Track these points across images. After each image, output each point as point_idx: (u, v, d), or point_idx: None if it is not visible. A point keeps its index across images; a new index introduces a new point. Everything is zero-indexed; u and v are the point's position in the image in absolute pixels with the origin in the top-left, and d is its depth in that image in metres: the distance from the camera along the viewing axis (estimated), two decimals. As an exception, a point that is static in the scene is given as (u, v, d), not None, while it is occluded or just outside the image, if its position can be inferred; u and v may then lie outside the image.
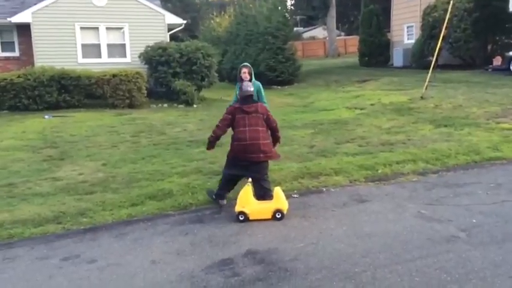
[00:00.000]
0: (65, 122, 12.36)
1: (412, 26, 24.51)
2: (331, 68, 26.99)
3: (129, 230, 5.11)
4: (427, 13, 21.03)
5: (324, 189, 6.06)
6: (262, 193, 5.38)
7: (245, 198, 5.16)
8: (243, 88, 5.60)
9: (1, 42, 17.10)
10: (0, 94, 13.92)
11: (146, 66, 16.42)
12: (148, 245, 4.67)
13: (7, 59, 16.96)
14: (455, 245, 4.12)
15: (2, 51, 17.10)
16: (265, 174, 5.54)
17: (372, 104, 12.83)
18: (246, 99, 5.55)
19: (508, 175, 6.27)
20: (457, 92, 13.39)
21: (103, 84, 14.56)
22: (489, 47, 21.24)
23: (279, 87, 20.80)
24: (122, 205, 5.84)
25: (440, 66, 16.91)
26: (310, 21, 54.54)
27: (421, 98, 12.82)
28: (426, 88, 13.25)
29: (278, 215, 5.08)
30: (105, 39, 16.90)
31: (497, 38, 20.89)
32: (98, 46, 16.85)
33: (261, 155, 5.35)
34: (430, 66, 13.72)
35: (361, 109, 12.32)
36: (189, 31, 37.16)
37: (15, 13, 16.08)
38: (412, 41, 23.46)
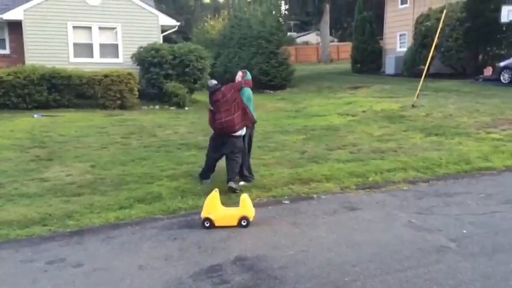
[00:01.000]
0: (54, 121, 12.21)
1: (404, 34, 24.69)
2: (323, 74, 27.07)
3: (116, 234, 5.03)
4: (419, 22, 21.21)
5: (315, 196, 6.03)
6: (227, 169, 6.28)
7: (211, 205, 5.12)
8: (208, 84, 6.65)
9: (-9, 40, 16.89)
10: (-11, 92, 13.72)
11: (138, 67, 16.31)
12: (135, 249, 4.60)
13: (-3, 56, 16.76)
14: (445, 256, 4.10)
15: (-8, 48, 16.90)
16: (236, 153, 6.31)
17: (363, 111, 12.86)
18: (213, 92, 6.40)
19: (498, 186, 6.29)
20: (448, 101, 13.48)
21: (94, 84, 14.42)
22: (480, 57, 21.45)
23: (272, 91, 20.81)
24: (110, 208, 5.76)
25: (431, 75, 17.02)
26: (303, 27, 54.78)
27: (412, 106, 12.88)
28: (417, 96, 13.33)
29: (244, 222, 5.05)
30: (97, 38, 16.77)
31: (489, 49, 21.11)
32: (90, 46, 16.71)
33: (236, 128, 6.26)
34: (422, 74, 13.81)
35: (353, 116, 12.34)
36: (183, 33, 37.09)
37: (6, 10, 15.90)
38: (404, 49, 23.63)
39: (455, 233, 4.63)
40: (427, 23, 20.29)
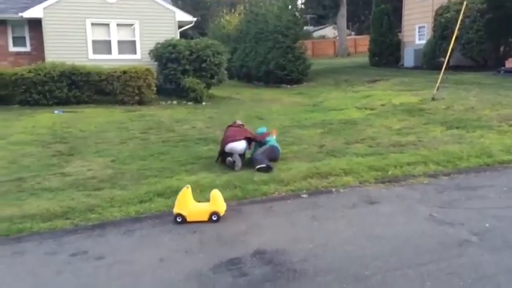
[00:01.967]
0: (74, 117, 12.40)
1: (423, 27, 24.29)
2: (340, 68, 26.87)
3: (137, 227, 5.09)
4: (439, 14, 20.83)
5: (334, 190, 6.00)
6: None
7: (183, 201, 5.16)
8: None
9: (12, 37, 17.19)
10: (11, 89, 14.01)
11: (156, 63, 16.44)
12: (156, 242, 4.65)
13: (18, 54, 17.07)
14: (467, 250, 4.05)
15: (14, 46, 17.20)
16: None
17: (382, 105, 12.72)
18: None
19: (521, 179, 6.17)
20: (469, 94, 13.23)
21: (113, 80, 14.59)
22: (501, 49, 21.00)
23: (288, 86, 20.75)
24: (130, 202, 5.82)
25: (451, 68, 16.74)
26: (320, 20, 54.42)
27: (432, 99, 12.68)
28: (437, 89, 13.12)
29: (214, 217, 5.09)
30: (115, 35, 16.95)
31: (511, 40, 20.63)
32: (109, 42, 16.90)
33: None
34: (441, 67, 13.59)
35: (371, 109, 12.22)
36: (199, 28, 37.23)
37: (26, 8, 16.17)
38: (424, 42, 23.26)
39: (478, 226, 4.56)
40: (447, 14, 19.93)
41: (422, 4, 24.35)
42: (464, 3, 14.34)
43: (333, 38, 45.54)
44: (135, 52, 17.20)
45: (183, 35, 19.94)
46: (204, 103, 15.54)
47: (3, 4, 16.78)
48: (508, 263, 3.77)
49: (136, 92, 14.77)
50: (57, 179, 6.82)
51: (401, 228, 4.63)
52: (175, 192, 6.07)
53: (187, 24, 19.09)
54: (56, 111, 13.17)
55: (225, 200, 5.76)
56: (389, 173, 6.59)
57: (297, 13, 23.51)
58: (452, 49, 13.73)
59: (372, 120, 10.68)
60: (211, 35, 27.54)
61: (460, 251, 4.03)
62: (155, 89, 15.36)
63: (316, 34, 50.01)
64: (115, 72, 14.62)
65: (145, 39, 17.04)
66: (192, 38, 19.56)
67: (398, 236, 4.42)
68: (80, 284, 3.83)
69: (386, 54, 25.99)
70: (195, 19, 18.90)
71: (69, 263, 4.24)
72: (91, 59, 16.28)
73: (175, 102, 15.59)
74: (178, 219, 5.11)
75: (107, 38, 16.87)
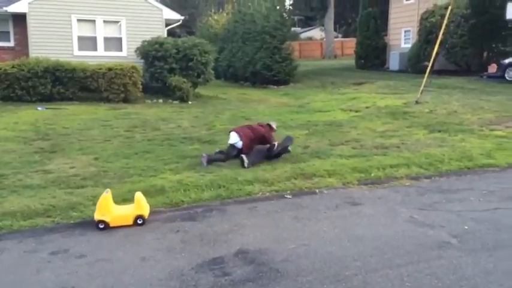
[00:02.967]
0: (58, 114, 12.25)
1: (409, 31, 24.59)
2: (327, 70, 27.03)
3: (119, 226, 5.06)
4: (424, 18, 21.11)
5: (317, 191, 6.05)
6: None
7: (105, 206, 5.00)
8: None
9: (-4, 32, 16.92)
10: (-6, 84, 13.77)
11: (142, 61, 16.32)
12: (138, 241, 4.63)
13: (2, 49, 16.78)
14: (447, 251, 4.12)
15: (-3, 40, 16.93)
16: None
17: (367, 107, 12.84)
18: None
19: (500, 182, 6.28)
20: (452, 98, 13.45)
21: (98, 77, 14.44)
22: (485, 54, 21.37)
23: (275, 86, 20.80)
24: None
25: (435, 72, 16.97)
26: (308, 22, 54.66)
27: (416, 102, 12.85)
28: (421, 93, 13.29)
29: (139, 220, 5.00)
30: (101, 32, 16.79)
31: (493, 45, 21.03)
32: (94, 39, 16.73)
33: None
34: (426, 71, 13.77)
35: (356, 111, 12.33)
36: (187, 27, 37.10)
37: (11, 2, 15.91)
38: (409, 45, 23.54)
39: (457, 229, 4.64)
40: (432, 19, 20.20)
41: (408, 8, 24.65)
42: (449, 8, 14.56)
43: (320, 40, 45.73)
44: (121, 49, 17.06)
45: (170, 33, 19.84)
46: (190, 102, 15.48)
47: (-14, -2, 16.50)
48: (485, 265, 3.84)
49: (122, 89, 14.65)
50: (39, 177, 6.74)
51: (383, 230, 4.69)
52: (159, 191, 6.07)
53: (175, 23, 19.00)
54: (39, 108, 13.00)
55: (209, 200, 5.78)
56: (372, 174, 6.66)
57: (284, 14, 23.65)
58: (436, 53, 13.92)
59: (357, 123, 10.77)
60: (198, 34, 27.46)
61: (440, 252, 4.10)
62: (141, 87, 15.25)
63: (303, 35, 50.16)
64: (100, 69, 14.48)
65: (131, 36, 16.90)
66: (179, 37, 19.49)
67: (380, 237, 4.47)
68: (60, 283, 3.79)
69: (372, 57, 26.24)
70: (182, 17, 18.82)
71: (49, 262, 4.19)
72: (76, 56, 16.09)
73: (161, 100, 15.50)
74: (101, 226, 4.93)
75: (92, 35, 16.69)
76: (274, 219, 5.09)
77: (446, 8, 15.82)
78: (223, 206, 5.59)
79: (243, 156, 7.17)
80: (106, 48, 16.84)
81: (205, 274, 3.83)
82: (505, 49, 20.45)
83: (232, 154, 7.47)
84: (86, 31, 16.63)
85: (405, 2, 25.02)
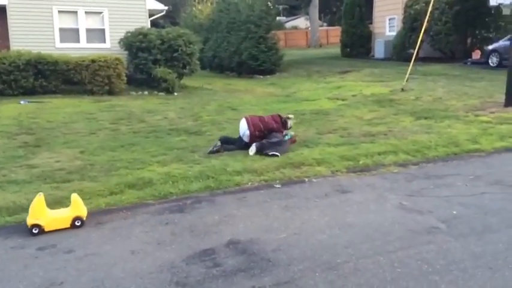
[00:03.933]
0: (41, 108, 12.05)
1: (393, 18, 24.65)
2: (313, 59, 27.01)
3: (107, 220, 5.00)
4: (409, 5, 21.19)
5: (306, 180, 6.05)
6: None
7: (38, 210, 4.76)
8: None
9: (-25, 25, 16.50)
10: (-26, 78, 13.48)
11: (126, 52, 16.10)
12: (127, 234, 4.58)
13: (-19, 42, 16.41)
14: (436, 237, 4.15)
15: (-24, 33, 16.52)
16: None
17: (353, 95, 12.88)
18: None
19: (486, 167, 6.36)
20: (437, 85, 13.54)
21: (81, 69, 14.22)
22: (469, 41, 21.54)
23: (261, 76, 20.74)
24: (100, 194, 5.71)
25: (420, 59, 17.08)
26: (292, 11, 54.48)
27: (402, 90, 12.92)
28: (407, 80, 13.36)
29: (78, 222, 4.81)
30: (84, 23, 16.50)
31: (477, 32, 21.20)
32: (77, 31, 16.44)
33: None
34: (411, 58, 13.83)
35: (343, 100, 12.36)
36: (171, 18, 36.66)
37: (-11, -6, 15.53)
38: (394, 33, 23.61)
39: (445, 214, 4.68)
40: (417, 6, 20.29)
41: (392, -4, 24.68)
42: (433, -5, 14.61)
43: (305, 29, 45.63)
44: (104, 41, 16.79)
45: (154, 24, 19.60)
46: (175, 93, 15.35)
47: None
48: (473, 249, 3.88)
49: (106, 81, 14.46)
50: (24, 171, 6.62)
51: (372, 217, 4.70)
52: (147, 183, 6.01)
53: (159, 13, 18.76)
54: (21, 102, 12.76)
55: (198, 191, 5.74)
56: (361, 162, 6.68)
57: (269, 3, 23.47)
58: (422, 41, 13.98)
59: (344, 111, 10.80)
60: (183, 25, 27.15)
61: (429, 238, 4.13)
62: (125, 78, 15.07)
63: (288, 25, 50.01)
64: (83, 61, 14.26)
65: (115, 27, 16.64)
66: (163, 27, 19.23)
67: (370, 224, 4.49)
68: (49, 279, 3.73)
69: (357, 45, 26.29)
70: (166, 8, 18.61)
71: (37, 257, 4.13)
72: (58, 48, 15.80)
73: (146, 92, 15.34)
74: (35, 231, 4.63)
75: (74, 26, 16.39)
76: (264, 209, 5.08)
77: (430, -5, 15.85)
78: (213, 197, 5.56)
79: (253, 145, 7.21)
80: (89, 40, 16.56)
81: (196, 266, 3.81)
82: (488, 35, 20.66)
83: (241, 145, 7.48)
84: (68, 23, 16.33)
85: (389, -10, 25.05)
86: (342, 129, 8.84)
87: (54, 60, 14.08)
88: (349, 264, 3.69)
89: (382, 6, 25.58)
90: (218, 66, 23.71)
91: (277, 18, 35.65)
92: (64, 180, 6.24)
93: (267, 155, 7.04)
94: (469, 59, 19.55)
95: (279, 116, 7.88)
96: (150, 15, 18.01)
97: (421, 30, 13.84)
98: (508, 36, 17.93)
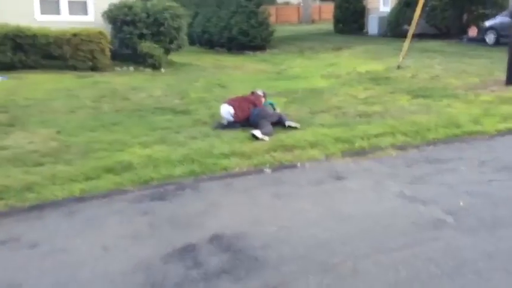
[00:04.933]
0: (19, 84, 11.39)
1: (388, -7, 23.94)
2: (305, 35, 26.31)
3: (80, 208, 4.54)
4: (404, -21, 20.49)
5: (298, 164, 5.60)
6: None
7: None
8: None
9: (-51, -5, 15.57)
10: None
11: (110, 26, 15.33)
12: (101, 226, 4.13)
13: (-44, 13, 15.52)
14: (443, 231, 3.73)
15: (-50, 4, 15.61)
16: None
17: (347, 73, 12.38)
18: None
19: (491, 151, 5.95)
20: (434, 62, 13.09)
21: (62, 44, 13.46)
22: (464, 17, 21.00)
23: (252, 52, 20.08)
24: (74, 179, 5.22)
25: (416, 35, 16.54)
26: (284, -14, 53.13)
27: (398, 67, 12.45)
28: (403, 57, 12.87)
29: None
30: (65, -6, 15.62)
31: (473, 8, 20.64)
32: (57, 2, 15.57)
33: None
34: (406, 35, 13.31)
35: (336, 78, 11.86)
36: (159, -9, 35.44)
37: (-37, -38, 14.59)
38: (388, 9, 22.94)
39: (451, 204, 4.26)
40: (412, -20, 19.61)
41: (387, -31, 23.91)
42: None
43: (297, 5, 44.58)
44: (87, 13, 15.96)
45: (140, -4, 18.72)
46: (162, 70, 14.70)
47: None
48: (486, 247, 3.47)
49: (89, 56, 13.73)
50: (-7, 154, 6.10)
51: (371, 207, 4.29)
52: (127, 167, 5.54)
53: (145, -15, 17.88)
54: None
55: (181, 176, 5.28)
56: (357, 145, 6.23)
57: (260, -24, 22.57)
58: (420, 16, 13.45)
59: (337, 89, 10.31)
60: (171, -2, 26.20)
61: (436, 233, 3.71)
62: (110, 54, 14.33)
63: (279, 0, 48.87)
64: (64, 35, 13.47)
65: (98, -1, 15.79)
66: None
67: (368, 216, 4.08)
68: (6, 280, 3.28)
69: (350, 21, 25.60)
70: (152, -21, 17.71)
71: (-4, 254, 3.67)
72: (38, 21, 14.96)
73: (131, 68, 14.66)
74: None
75: (55, -3, 15.52)
76: (252, 197, 4.65)
77: (427, -31, 15.25)
78: (197, 182, 5.11)
79: (254, 132, 6.64)
80: (71, 12, 15.69)
81: (175, 265, 3.38)
82: (484, 12, 20.10)
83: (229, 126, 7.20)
84: (48, -7, 15.45)
85: (384, -37, 24.26)
86: (336, 108, 8.38)
87: (33, 34, 13.30)
88: (346, 264, 3.28)
89: (377, -20, 24.83)
90: (208, 42, 22.94)
91: (269, -8, 34.62)
92: (36, 163, 5.73)
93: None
94: (465, 36, 19.06)
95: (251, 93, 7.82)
96: (136, -13, 17.15)
97: (417, 5, 13.27)
98: (504, 13, 17.48)
